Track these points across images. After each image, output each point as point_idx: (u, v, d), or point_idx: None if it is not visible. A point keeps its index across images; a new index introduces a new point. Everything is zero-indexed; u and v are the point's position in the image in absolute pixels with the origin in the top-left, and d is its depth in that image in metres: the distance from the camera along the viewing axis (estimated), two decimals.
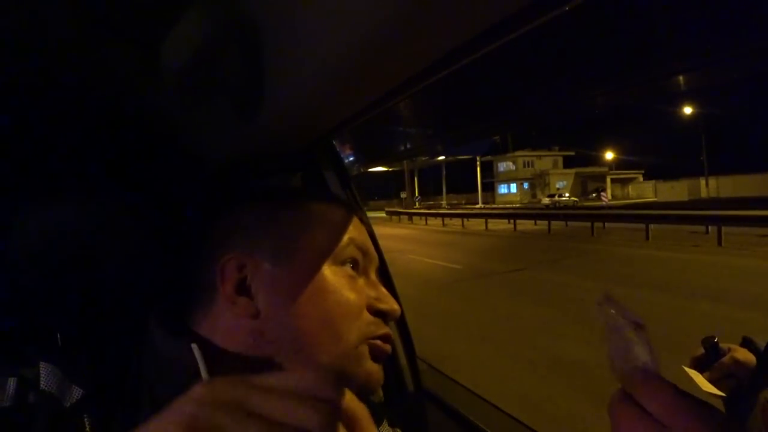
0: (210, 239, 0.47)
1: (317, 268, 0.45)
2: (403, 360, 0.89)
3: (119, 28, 0.48)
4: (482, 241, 13.03)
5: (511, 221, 16.52)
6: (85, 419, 0.37)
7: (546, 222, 14.81)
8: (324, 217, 0.48)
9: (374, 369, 0.46)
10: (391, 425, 0.57)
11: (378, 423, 0.54)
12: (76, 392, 0.38)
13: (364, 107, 0.49)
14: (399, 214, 26.04)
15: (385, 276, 0.91)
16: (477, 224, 18.03)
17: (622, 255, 8.96)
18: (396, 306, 0.49)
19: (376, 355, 0.46)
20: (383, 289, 0.49)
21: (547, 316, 4.90)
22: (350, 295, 0.45)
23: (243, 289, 0.44)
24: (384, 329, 0.48)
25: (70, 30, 0.49)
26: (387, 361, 0.87)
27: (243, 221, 0.47)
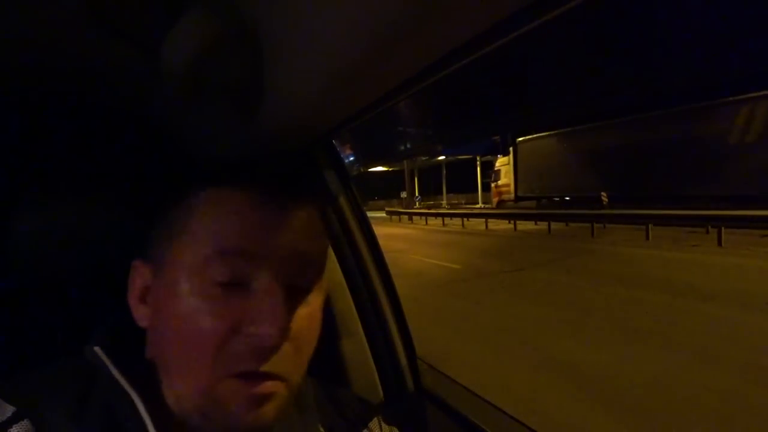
0: (139, 243, 0.45)
1: (177, 282, 0.38)
2: (403, 360, 0.89)
3: (119, 27, 0.48)
4: (482, 241, 13.02)
5: (511, 221, 16.49)
6: None
7: (546, 222, 14.78)
8: (200, 217, 0.39)
9: (243, 414, 0.36)
10: (389, 423, 0.57)
11: (364, 421, 0.53)
12: (8, 411, 0.36)
13: (364, 107, 0.49)
14: (399, 213, 25.95)
15: (384, 276, 0.91)
16: (477, 224, 18.01)
17: (622, 255, 8.96)
18: (268, 330, 0.36)
19: (247, 398, 0.37)
20: (263, 307, 0.36)
21: (548, 316, 4.90)
22: (207, 320, 0.36)
23: (145, 297, 0.43)
24: (249, 364, 0.36)
25: (70, 30, 0.49)
26: (387, 361, 0.88)
27: (157, 222, 0.43)
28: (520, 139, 21.75)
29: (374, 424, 0.54)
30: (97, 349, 0.41)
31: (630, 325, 4.34)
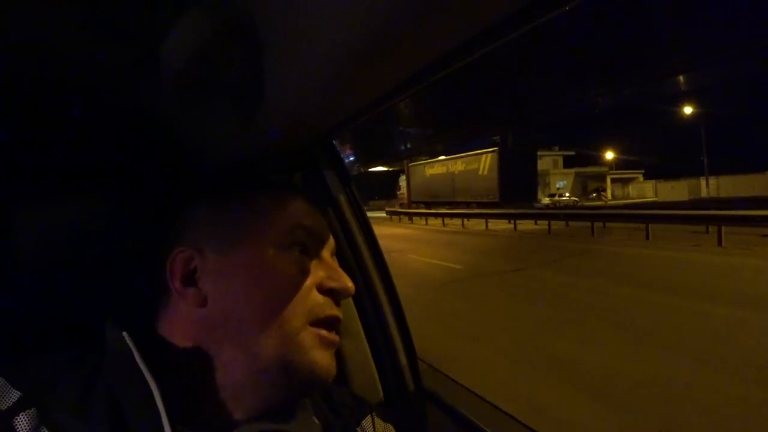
0: (166, 236, 0.49)
1: (260, 253, 0.46)
2: (403, 360, 0.89)
3: (119, 27, 0.48)
4: (482, 241, 13.03)
5: (511, 221, 16.51)
6: (15, 422, 0.37)
7: (546, 222, 14.80)
8: (271, 206, 0.49)
9: (320, 357, 0.45)
10: (385, 420, 0.57)
11: (357, 419, 0.54)
12: (14, 395, 0.38)
13: (364, 107, 0.49)
14: (399, 214, 26.04)
15: (385, 276, 0.91)
16: (477, 224, 18.03)
17: (622, 255, 8.96)
18: (349, 283, 0.49)
19: (324, 342, 0.46)
20: (337, 268, 0.50)
21: (548, 316, 4.90)
22: (293, 278, 0.46)
23: (192, 280, 0.45)
24: (332, 310, 0.47)
25: (69, 30, 0.49)
26: (387, 361, 0.88)
27: (195, 215, 0.49)
28: (411, 164, 34.48)
29: (367, 421, 0.55)
30: (125, 334, 0.41)
31: (629, 324, 4.35)
